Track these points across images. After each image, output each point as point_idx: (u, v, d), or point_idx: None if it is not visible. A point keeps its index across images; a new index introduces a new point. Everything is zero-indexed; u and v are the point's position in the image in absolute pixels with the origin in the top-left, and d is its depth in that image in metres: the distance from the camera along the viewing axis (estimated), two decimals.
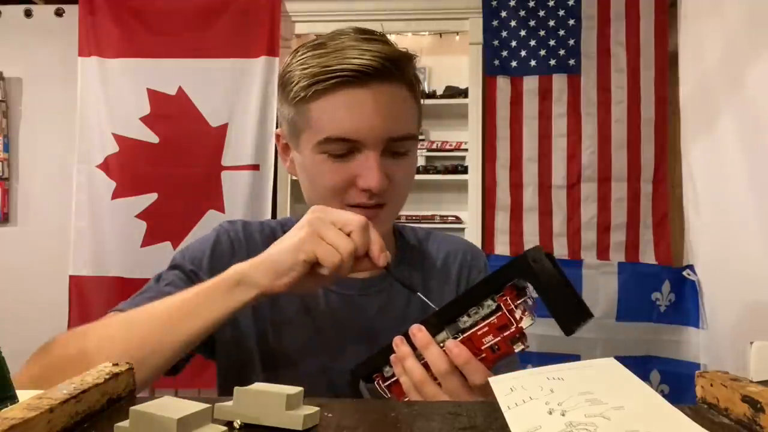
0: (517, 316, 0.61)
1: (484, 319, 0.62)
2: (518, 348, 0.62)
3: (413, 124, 0.80)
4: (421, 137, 2.80)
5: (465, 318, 0.63)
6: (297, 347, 0.83)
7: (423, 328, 0.63)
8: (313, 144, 0.77)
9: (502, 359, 0.63)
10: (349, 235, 0.65)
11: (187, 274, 0.82)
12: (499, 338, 0.61)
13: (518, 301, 0.62)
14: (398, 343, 0.64)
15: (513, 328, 0.61)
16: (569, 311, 0.59)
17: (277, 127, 2.38)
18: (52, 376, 0.58)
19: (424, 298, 0.67)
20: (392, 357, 0.65)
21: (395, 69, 0.75)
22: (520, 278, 0.62)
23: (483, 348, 0.62)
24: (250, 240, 0.87)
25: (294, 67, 0.78)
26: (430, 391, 0.62)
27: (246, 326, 0.83)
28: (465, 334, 0.63)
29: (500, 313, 0.61)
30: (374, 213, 0.78)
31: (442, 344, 0.63)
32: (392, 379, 0.66)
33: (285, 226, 0.88)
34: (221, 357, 0.87)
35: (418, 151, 2.73)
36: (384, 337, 0.68)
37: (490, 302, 0.62)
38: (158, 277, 0.83)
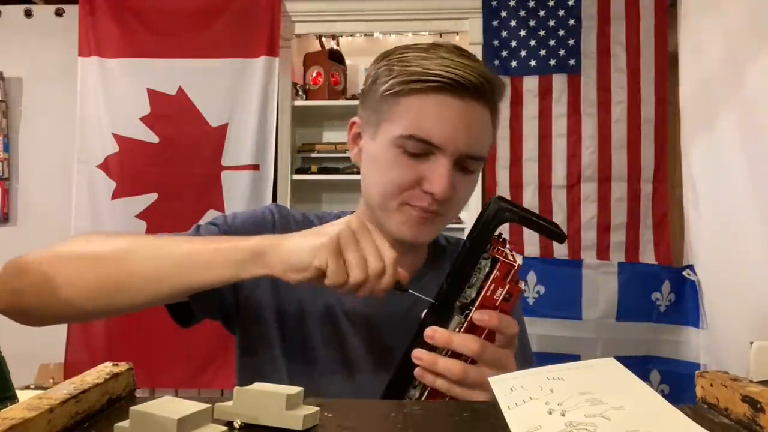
0: (511, 258, 0.65)
1: (486, 279, 0.65)
2: (522, 285, 0.66)
3: (486, 147, 0.82)
4: None
5: (468, 291, 0.65)
6: (317, 337, 0.84)
7: (436, 328, 0.65)
8: (393, 137, 0.78)
9: (515, 303, 0.66)
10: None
11: (222, 234, 0.85)
12: (507, 285, 0.64)
13: (506, 247, 0.66)
14: (418, 355, 0.65)
15: (516, 268, 0.64)
16: (551, 224, 0.67)
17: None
18: (64, 262, 0.71)
19: (417, 294, 0.67)
20: (417, 371, 0.65)
21: (489, 90, 0.77)
22: (503, 223, 0.65)
23: (498, 303, 0.64)
24: (288, 227, 0.88)
25: (392, 62, 0.79)
26: (475, 376, 0.63)
27: (267, 311, 0.84)
28: (476, 303, 0.64)
29: (499, 264, 0.64)
30: (430, 217, 0.80)
31: (458, 329, 0.65)
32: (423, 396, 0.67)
33: (322, 219, 0.91)
34: (240, 334, 0.88)
35: None
36: (406, 338, 0.68)
37: (484, 262, 0.65)
38: (197, 228, 0.86)
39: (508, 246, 0.66)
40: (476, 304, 0.64)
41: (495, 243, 0.66)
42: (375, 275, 0.64)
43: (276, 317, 0.84)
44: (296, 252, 0.66)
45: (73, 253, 0.73)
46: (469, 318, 0.64)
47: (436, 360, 0.64)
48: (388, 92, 0.78)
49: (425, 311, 0.67)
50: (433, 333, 0.64)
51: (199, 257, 0.69)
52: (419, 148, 0.76)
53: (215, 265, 0.68)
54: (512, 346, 0.67)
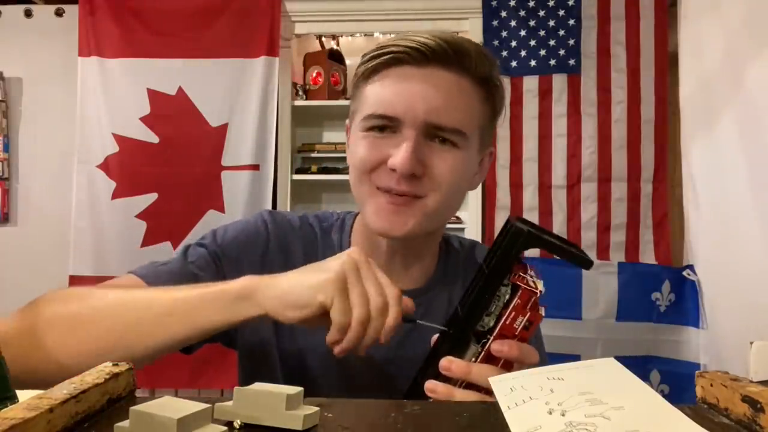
0: (533, 284, 0.61)
1: (506, 307, 0.61)
2: (542, 311, 0.62)
3: (466, 120, 0.74)
4: None
5: (486, 319, 0.62)
6: (317, 362, 0.81)
7: (452, 359, 0.61)
8: (360, 121, 0.76)
9: (535, 329, 0.62)
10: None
11: (212, 255, 0.81)
12: (528, 313, 0.60)
13: (528, 272, 0.62)
14: (432, 388, 0.61)
15: (537, 295, 0.60)
16: (576, 250, 0.61)
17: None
18: (42, 330, 0.66)
19: (428, 324, 0.64)
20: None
21: (456, 56, 0.71)
22: (526, 249, 0.61)
23: (517, 332, 0.61)
24: (285, 236, 0.85)
25: (363, 55, 0.78)
26: None
27: (265, 332, 0.82)
28: (495, 332, 0.61)
29: (520, 291, 0.60)
30: (404, 201, 0.74)
31: (474, 359, 0.62)
32: None
33: (323, 222, 0.87)
34: (240, 351, 0.87)
35: None
36: (411, 346, 0.67)
37: (504, 289, 0.61)
38: (185, 250, 0.82)
39: (530, 272, 0.62)
40: (494, 333, 0.61)
41: (516, 269, 0.62)
42: (377, 311, 0.60)
43: (276, 340, 0.82)
44: (295, 289, 0.62)
45: (52, 319, 0.68)
46: (487, 348, 0.61)
47: (452, 392, 0.60)
48: (357, 80, 0.77)
49: (437, 336, 0.64)
50: (449, 364, 0.60)
51: (184, 308, 0.65)
52: (382, 126, 0.73)
53: (202, 314, 0.64)
54: None
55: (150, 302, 0.67)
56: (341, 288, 0.60)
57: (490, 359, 0.61)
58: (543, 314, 0.62)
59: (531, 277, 0.62)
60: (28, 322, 0.68)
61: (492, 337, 0.61)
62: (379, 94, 0.73)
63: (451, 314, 0.65)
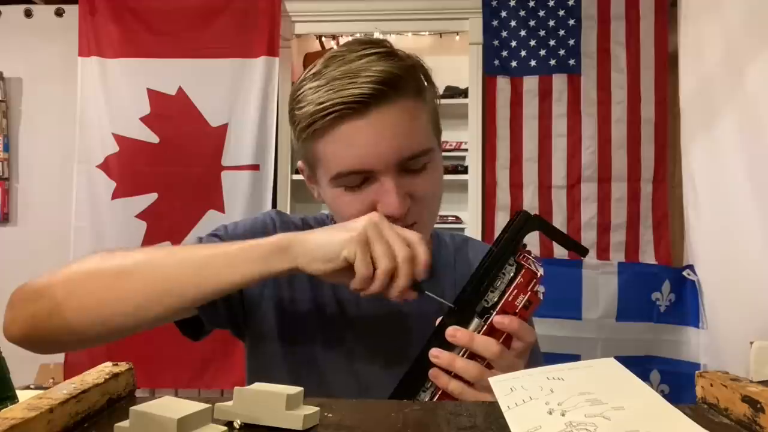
0: (535, 267, 0.66)
1: (509, 284, 0.66)
2: (541, 295, 0.67)
3: (426, 136, 0.77)
4: None
5: (490, 295, 0.66)
6: (323, 349, 0.83)
7: (458, 327, 0.65)
8: (328, 180, 0.76)
9: (533, 312, 0.66)
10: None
11: None
12: (529, 293, 0.65)
13: (531, 256, 0.67)
14: (437, 354, 0.65)
15: (538, 277, 0.66)
16: (574, 239, 0.70)
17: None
18: (86, 281, 0.70)
19: (436, 297, 0.67)
20: (431, 372, 0.65)
21: (393, 90, 0.71)
22: (533, 231, 0.67)
23: (518, 310, 0.65)
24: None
25: (294, 105, 0.77)
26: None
27: (272, 318, 0.84)
28: (498, 307, 0.65)
29: (523, 270, 0.66)
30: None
31: (477, 332, 0.65)
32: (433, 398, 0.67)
33: (321, 224, 0.90)
34: (247, 340, 0.88)
35: None
36: (417, 339, 0.68)
37: (509, 267, 0.66)
38: (199, 240, 0.84)
39: (533, 255, 0.67)
40: (497, 308, 0.65)
41: (521, 251, 0.67)
42: (405, 260, 0.64)
43: (281, 327, 0.83)
44: (323, 244, 0.66)
45: (92, 271, 0.71)
46: (489, 321, 0.65)
47: (454, 359, 0.64)
48: (302, 139, 0.77)
49: (442, 316, 0.67)
50: (455, 332, 0.65)
51: (223, 258, 0.69)
52: (356, 180, 0.74)
53: (240, 264, 0.67)
54: (526, 356, 0.67)
55: (190, 256, 0.71)
56: (363, 244, 0.65)
57: (492, 333, 0.65)
58: (542, 298, 0.67)
59: (533, 261, 0.67)
60: (69, 273, 0.71)
61: (495, 312, 0.65)
62: (339, 152, 0.73)
63: (457, 295, 0.68)
